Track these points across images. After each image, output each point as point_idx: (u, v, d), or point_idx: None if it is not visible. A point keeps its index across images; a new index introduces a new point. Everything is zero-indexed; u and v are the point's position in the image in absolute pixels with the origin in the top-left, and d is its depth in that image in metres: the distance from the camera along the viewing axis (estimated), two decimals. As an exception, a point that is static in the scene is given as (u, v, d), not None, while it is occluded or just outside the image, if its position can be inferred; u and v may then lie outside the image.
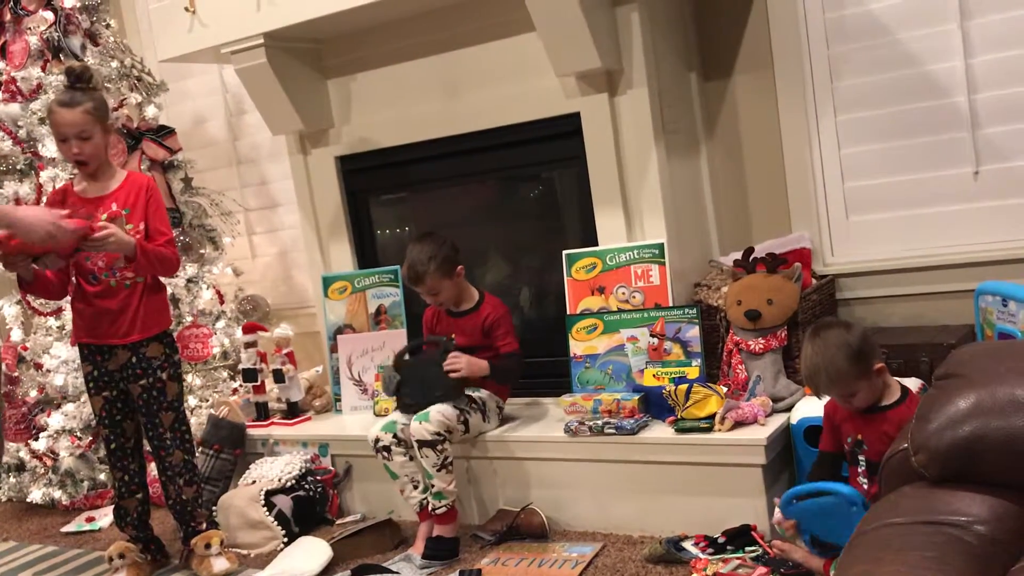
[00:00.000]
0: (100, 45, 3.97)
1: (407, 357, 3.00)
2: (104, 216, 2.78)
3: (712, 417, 2.65)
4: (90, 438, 3.73)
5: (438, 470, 2.77)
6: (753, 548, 2.45)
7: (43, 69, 3.84)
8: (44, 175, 3.72)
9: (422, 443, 2.77)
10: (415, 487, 2.84)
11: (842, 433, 2.32)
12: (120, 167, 3.19)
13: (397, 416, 2.91)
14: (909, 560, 1.37)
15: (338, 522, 3.23)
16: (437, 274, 2.92)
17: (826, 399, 2.35)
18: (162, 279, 2.97)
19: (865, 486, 2.25)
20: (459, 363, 2.86)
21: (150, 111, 3.99)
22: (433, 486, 2.79)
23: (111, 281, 2.80)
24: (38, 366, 3.83)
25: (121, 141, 3.85)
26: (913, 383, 2.49)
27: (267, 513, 3.07)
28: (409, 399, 2.91)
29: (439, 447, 2.77)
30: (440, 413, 2.81)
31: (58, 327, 3.83)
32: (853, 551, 1.49)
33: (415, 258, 2.94)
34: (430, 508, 2.80)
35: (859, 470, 2.27)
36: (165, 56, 3.65)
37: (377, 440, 2.86)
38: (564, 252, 3.22)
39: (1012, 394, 1.48)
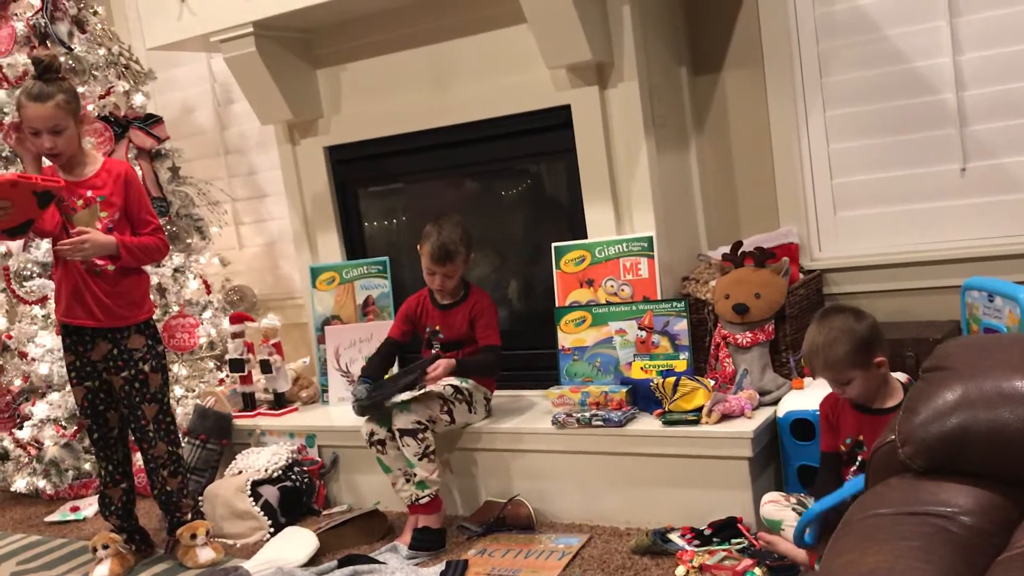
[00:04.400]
0: (87, 32, 3.94)
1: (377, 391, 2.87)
2: (80, 202, 2.76)
3: (699, 410, 2.66)
4: (75, 427, 3.71)
5: (419, 459, 2.77)
6: (739, 540, 2.46)
7: (29, 56, 3.80)
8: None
9: (403, 432, 2.76)
10: (407, 480, 2.83)
11: (840, 432, 2.31)
12: (106, 155, 3.16)
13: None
14: (895, 550, 1.38)
15: (325, 513, 3.22)
16: (463, 256, 2.93)
17: (820, 395, 2.36)
18: (146, 268, 2.95)
19: None
20: (438, 372, 2.83)
21: (138, 99, 3.97)
22: (415, 475, 2.79)
23: (83, 266, 2.78)
24: (23, 355, 3.80)
25: (108, 129, 3.83)
26: (899, 378, 2.50)
27: (253, 503, 3.06)
28: (373, 405, 2.84)
29: (420, 436, 2.76)
30: (422, 403, 2.81)
31: (43, 316, 3.81)
32: (839, 541, 1.49)
33: (449, 236, 2.90)
34: (412, 498, 2.80)
35: (852, 470, 2.27)
36: (153, 44, 3.63)
37: (372, 433, 2.85)
38: (553, 244, 3.22)
39: (998, 387, 1.49)
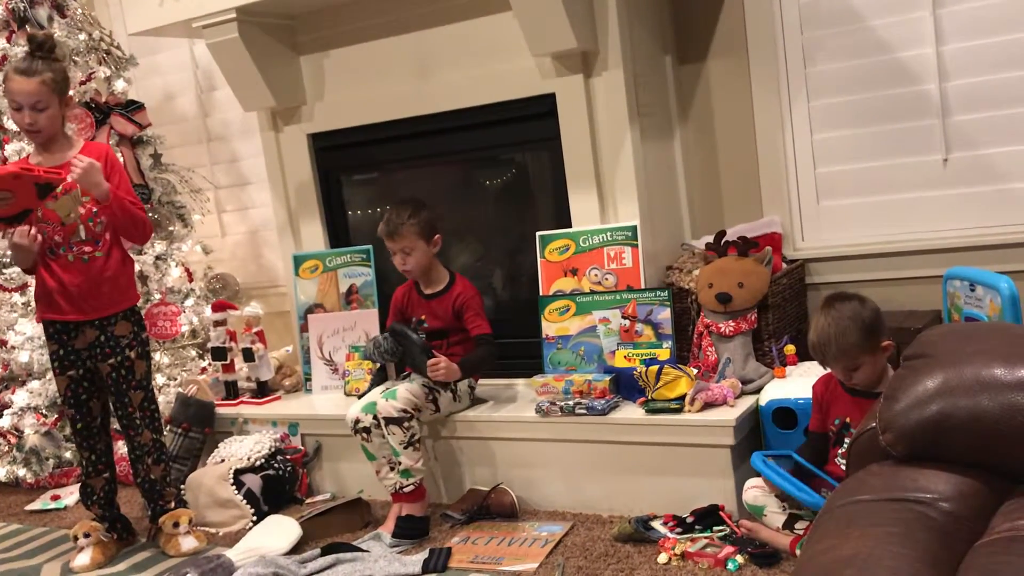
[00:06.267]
0: (67, 17, 3.90)
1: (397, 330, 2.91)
2: (59, 188, 2.73)
3: (682, 398, 2.67)
4: (56, 416, 3.68)
5: (404, 447, 2.77)
6: (721, 528, 2.47)
7: (8, 40, 3.76)
8: (9, 148, 3.66)
9: (388, 420, 2.77)
10: (391, 468, 2.83)
11: (830, 414, 2.34)
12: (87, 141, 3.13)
13: (376, 397, 2.88)
14: (875, 535, 1.39)
15: (307, 501, 3.22)
16: (414, 229, 2.91)
17: (801, 384, 2.37)
18: (130, 254, 2.93)
19: (844, 468, 2.27)
20: (439, 370, 2.81)
21: (119, 85, 3.94)
22: (400, 463, 2.79)
23: (68, 256, 2.76)
24: (2, 342, 3.77)
25: (89, 115, 3.79)
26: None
27: (236, 492, 3.06)
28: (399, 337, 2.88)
29: (405, 424, 2.77)
30: (407, 391, 2.81)
31: (23, 303, 3.78)
32: (820, 527, 1.51)
33: (395, 213, 2.93)
34: (396, 486, 2.80)
35: (840, 451, 2.30)
36: (135, 29, 3.59)
37: (357, 421, 2.84)
38: (537, 233, 3.22)
39: (978, 374, 1.50)
